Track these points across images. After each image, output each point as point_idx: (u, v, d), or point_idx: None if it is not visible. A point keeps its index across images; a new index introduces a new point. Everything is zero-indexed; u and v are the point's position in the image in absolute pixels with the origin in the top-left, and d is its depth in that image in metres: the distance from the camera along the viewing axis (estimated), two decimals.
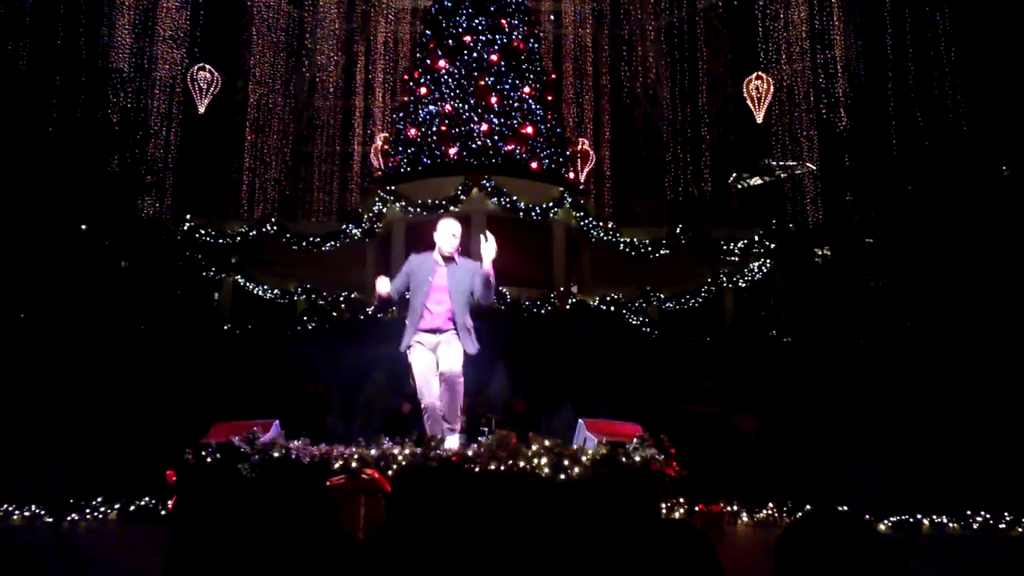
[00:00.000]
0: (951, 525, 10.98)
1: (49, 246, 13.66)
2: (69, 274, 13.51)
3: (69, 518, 10.73)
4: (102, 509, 11.13)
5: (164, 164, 23.49)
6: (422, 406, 6.36)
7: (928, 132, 17.62)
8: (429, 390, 6.29)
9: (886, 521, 10.99)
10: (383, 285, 6.33)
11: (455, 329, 6.32)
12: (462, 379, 6.28)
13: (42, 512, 10.76)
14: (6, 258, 13.39)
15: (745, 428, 10.81)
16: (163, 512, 10.70)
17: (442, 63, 20.04)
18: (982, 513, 11.01)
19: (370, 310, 15.94)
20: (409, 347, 6.34)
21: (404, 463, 5.59)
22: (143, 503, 11.23)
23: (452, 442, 6.09)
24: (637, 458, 5.61)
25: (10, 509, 10.80)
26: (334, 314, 16.94)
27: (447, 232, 6.37)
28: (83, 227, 14.52)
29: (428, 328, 6.32)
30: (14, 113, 14.65)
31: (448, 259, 6.37)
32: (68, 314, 12.84)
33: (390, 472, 5.51)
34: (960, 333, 13.20)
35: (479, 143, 19.16)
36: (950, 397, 12.53)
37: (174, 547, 5.59)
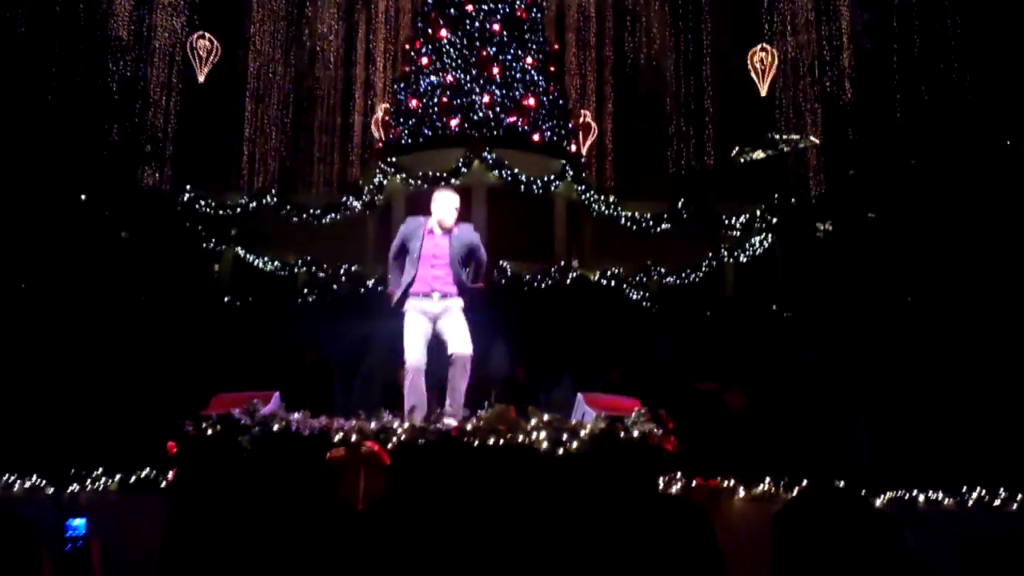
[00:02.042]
0: (947, 501, 11.03)
1: (48, 216, 13.62)
2: (68, 244, 13.49)
3: (70, 489, 10.78)
4: (103, 480, 11.17)
5: (164, 134, 23.38)
6: (405, 367, 6.28)
7: (932, 106, 17.49)
8: (415, 352, 6.23)
9: (882, 496, 11.04)
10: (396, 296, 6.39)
11: (453, 295, 6.28)
12: (470, 361, 6.30)
13: (43, 483, 10.81)
14: (5, 229, 13.36)
15: (732, 403, 10.80)
16: (164, 483, 10.74)
17: (443, 33, 19.86)
18: (978, 489, 11.05)
19: (370, 283, 15.93)
20: (404, 311, 6.31)
21: (403, 436, 5.61)
22: (144, 474, 11.27)
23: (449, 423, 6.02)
24: (635, 432, 5.62)
25: (10, 480, 10.85)
26: (334, 287, 16.96)
27: (449, 206, 6.28)
28: (82, 197, 14.47)
29: (423, 291, 6.25)
30: (13, 82, 14.54)
31: (446, 230, 6.31)
32: (68, 284, 12.83)
33: (389, 445, 5.53)
34: (961, 309, 13.20)
35: (480, 115, 19.04)
36: (949, 372, 12.54)
37: (174, 518, 5.62)
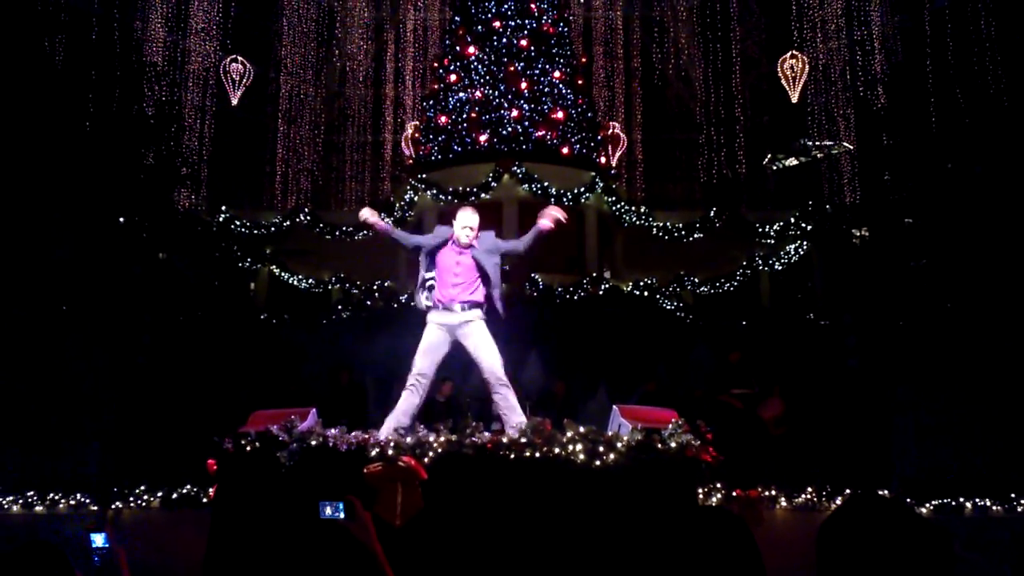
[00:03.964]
0: (994, 508, 10.79)
1: (88, 239, 13.88)
2: (108, 266, 13.73)
3: (114, 506, 10.94)
4: (145, 497, 11.34)
5: (199, 156, 23.76)
6: (411, 373, 6.26)
7: (967, 109, 17.23)
8: (422, 362, 6.24)
9: (927, 504, 10.83)
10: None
11: (473, 306, 6.28)
12: (508, 382, 6.23)
13: (87, 500, 10.99)
14: (48, 251, 13.64)
15: (768, 416, 10.66)
16: (204, 500, 10.87)
17: (471, 49, 19.97)
18: None
19: (403, 298, 15.97)
20: (426, 322, 6.37)
21: (440, 450, 5.61)
22: (185, 491, 11.42)
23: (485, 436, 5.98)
24: (673, 444, 5.58)
25: (56, 497, 11.05)
26: (368, 303, 17.04)
27: (464, 225, 6.35)
28: (121, 219, 14.74)
29: (444, 303, 6.28)
30: (52, 109, 14.89)
31: (467, 247, 6.37)
32: (108, 305, 13.05)
33: (426, 459, 5.54)
34: (1002, 313, 12.94)
35: (509, 129, 19.09)
36: (991, 378, 12.29)
37: (216, 533, 5.68)
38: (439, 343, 6.27)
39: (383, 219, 6.56)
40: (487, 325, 6.36)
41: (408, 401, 6.20)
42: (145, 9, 23.80)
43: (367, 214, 6.66)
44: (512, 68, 19.54)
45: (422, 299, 6.46)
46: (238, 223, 19.89)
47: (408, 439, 5.73)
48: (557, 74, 19.84)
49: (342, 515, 2.52)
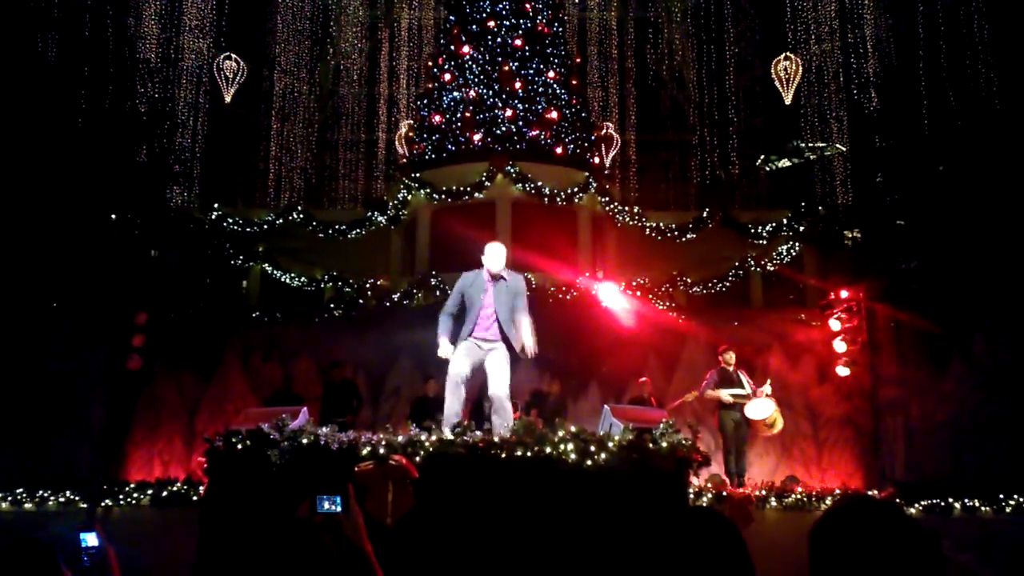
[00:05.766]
0: (983, 509, 10.83)
1: (80, 235, 13.83)
2: (100, 262, 13.69)
3: (104, 503, 10.90)
4: (135, 495, 11.30)
5: (191, 153, 23.67)
6: (449, 376, 6.63)
7: (960, 112, 17.31)
8: (460, 365, 6.60)
9: (917, 505, 10.86)
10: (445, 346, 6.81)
11: (501, 339, 6.72)
12: (509, 400, 6.69)
13: (76, 498, 10.94)
14: (39, 248, 13.59)
15: (758, 419, 10.67)
16: (195, 498, 10.84)
17: (466, 49, 19.96)
18: (1015, 496, 10.85)
19: (396, 296, 15.97)
20: (461, 342, 6.78)
21: (431, 449, 5.61)
22: (175, 489, 11.38)
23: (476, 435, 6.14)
24: (663, 444, 5.59)
25: (45, 495, 11.00)
26: (360, 301, 17.02)
27: (495, 256, 6.87)
28: (113, 216, 14.69)
29: (479, 337, 6.74)
30: (44, 105, 14.83)
31: (496, 277, 6.83)
32: (99, 302, 13.01)
33: (417, 458, 5.53)
34: (992, 315, 13.01)
35: (503, 129, 19.08)
36: (981, 379, 12.36)
37: (206, 532, 5.66)
38: (473, 354, 6.69)
39: (442, 342, 6.83)
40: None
41: (456, 402, 6.53)
42: (138, 5, 23.71)
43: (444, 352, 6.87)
44: (506, 67, 19.54)
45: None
46: (230, 220, 19.82)
47: (399, 438, 5.73)
48: (551, 74, 19.85)
49: (339, 508, 2.52)
